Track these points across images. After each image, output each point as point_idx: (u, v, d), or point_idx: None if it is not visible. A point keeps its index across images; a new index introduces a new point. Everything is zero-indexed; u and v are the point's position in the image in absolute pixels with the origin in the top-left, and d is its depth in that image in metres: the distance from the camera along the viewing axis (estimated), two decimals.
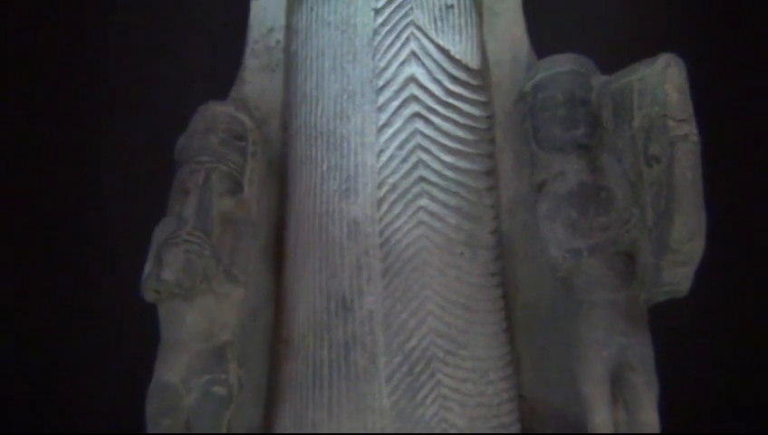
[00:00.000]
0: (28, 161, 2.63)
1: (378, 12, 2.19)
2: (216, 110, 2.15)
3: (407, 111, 2.12)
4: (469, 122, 2.17)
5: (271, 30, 2.38)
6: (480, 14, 2.32)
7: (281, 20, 2.37)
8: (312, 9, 2.24)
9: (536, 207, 2.11)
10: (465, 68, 2.20)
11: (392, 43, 2.17)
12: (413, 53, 2.16)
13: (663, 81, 1.82)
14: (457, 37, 2.20)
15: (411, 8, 2.19)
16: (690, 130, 1.80)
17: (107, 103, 2.59)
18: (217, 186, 2.02)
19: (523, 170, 2.24)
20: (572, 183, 2.07)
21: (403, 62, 2.15)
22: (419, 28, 2.18)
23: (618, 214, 1.98)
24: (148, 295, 1.90)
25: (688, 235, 1.76)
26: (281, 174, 2.29)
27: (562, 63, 2.17)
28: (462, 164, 2.13)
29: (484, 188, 2.17)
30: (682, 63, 1.83)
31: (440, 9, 2.21)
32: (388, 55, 2.16)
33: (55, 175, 2.60)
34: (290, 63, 2.30)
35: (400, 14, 2.19)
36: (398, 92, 2.13)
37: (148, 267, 1.92)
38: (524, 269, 2.21)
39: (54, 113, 2.61)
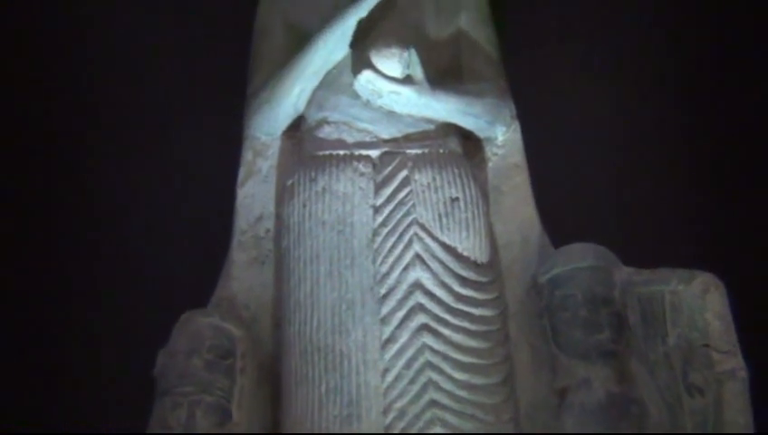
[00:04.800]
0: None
1: (377, 210, 2.00)
2: (200, 323, 1.94)
3: (413, 324, 1.91)
4: (482, 328, 1.96)
5: (260, 219, 2.18)
6: (486, 198, 2.15)
7: (270, 208, 2.17)
8: (304, 205, 2.04)
9: (559, 419, 1.92)
10: (475, 265, 2.00)
11: (394, 245, 1.97)
12: (417, 256, 1.96)
13: (702, 307, 1.66)
14: (464, 233, 2.01)
15: (413, 205, 2.00)
16: (737, 364, 1.64)
17: (76, 314, 2.36)
18: (202, 423, 1.80)
19: (542, 371, 2.03)
20: (599, 394, 1.88)
21: (407, 267, 1.95)
22: (423, 227, 1.99)
23: None
24: None
25: None
26: (273, 378, 2.06)
27: (581, 258, 1.99)
28: (477, 380, 1.91)
29: (501, 401, 1.95)
30: (722, 288, 1.66)
31: (444, 204, 2.02)
32: (390, 259, 1.96)
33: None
34: (281, 260, 2.09)
35: (402, 211, 2.00)
36: (402, 301, 1.93)
37: None
38: None
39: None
